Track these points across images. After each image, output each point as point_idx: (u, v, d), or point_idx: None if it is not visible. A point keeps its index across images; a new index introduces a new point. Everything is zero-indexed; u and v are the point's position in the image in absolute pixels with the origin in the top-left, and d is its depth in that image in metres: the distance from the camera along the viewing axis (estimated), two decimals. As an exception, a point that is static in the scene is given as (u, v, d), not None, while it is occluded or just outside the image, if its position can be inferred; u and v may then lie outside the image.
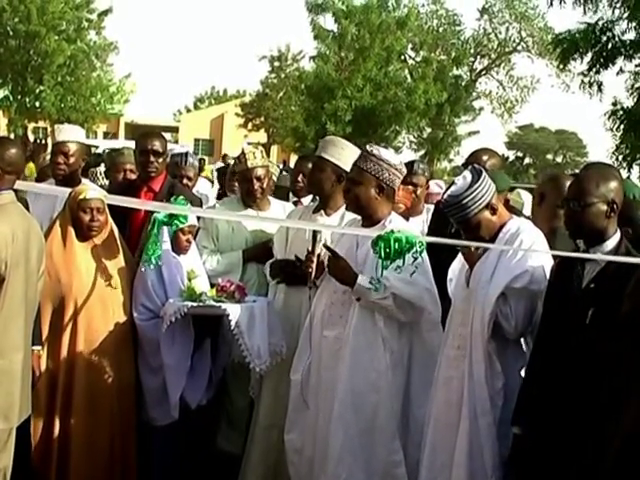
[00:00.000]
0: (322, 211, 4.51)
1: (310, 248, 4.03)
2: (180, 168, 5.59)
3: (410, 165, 5.39)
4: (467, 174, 3.54)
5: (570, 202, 3.20)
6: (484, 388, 3.41)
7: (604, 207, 3.15)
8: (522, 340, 3.56)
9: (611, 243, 3.18)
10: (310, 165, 4.86)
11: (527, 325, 3.45)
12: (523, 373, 3.45)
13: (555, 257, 3.44)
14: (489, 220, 3.53)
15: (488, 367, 3.42)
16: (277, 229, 4.70)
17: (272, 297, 4.56)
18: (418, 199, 5.42)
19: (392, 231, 3.64)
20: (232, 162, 6.53)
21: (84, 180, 5.18)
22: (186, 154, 5.75)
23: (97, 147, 20.37)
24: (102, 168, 6.52)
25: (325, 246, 4.02)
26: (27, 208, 4.23)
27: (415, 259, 3.63)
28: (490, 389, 3.41)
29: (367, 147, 4.02)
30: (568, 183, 4.03)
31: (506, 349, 3.48)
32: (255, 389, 4.53)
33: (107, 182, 6.24)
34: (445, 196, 3.57)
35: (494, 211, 3.54)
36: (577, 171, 4.03)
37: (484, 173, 3.54)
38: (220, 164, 16.80)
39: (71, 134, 5.14)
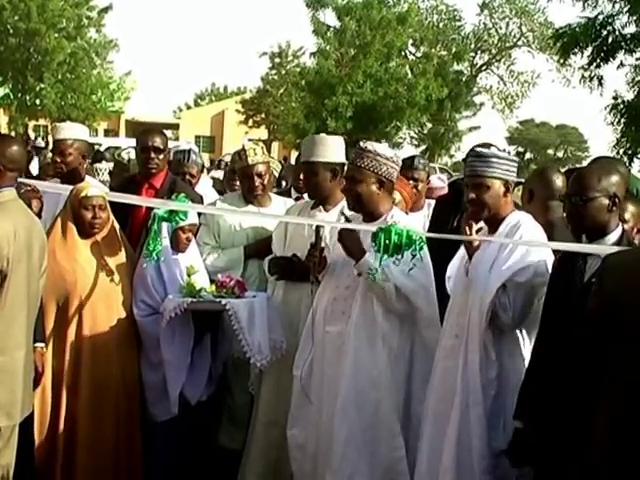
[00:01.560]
0: (321, 206, 4.51)
1: (312, 244, 4.04)
2: (183, 165, 5.58)
3: (410, 160, 5.41)
4: (508, 149, 3.60)
5: (572, 197, 3.19)
6: (477, 377, 3.41)
7: (606, 201, 3.14)
8: (519, 332, 3.55)
9: (613, 237, 3.17)
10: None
11: (525, 317, 3.46)
12: (516, 363, 3.45)
13: (556, 251, 3.45)
14: (498, 195, 3.52)
15: (483, 356, 3.42)
16: (276, 225, 4.70)
17: (271, 293, 4.55)
18: (419, 194, 5.43)
19: (394, 224, 3.66)
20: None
21: (87, 177, 5.18)
22: (189, 151, 5.74)
23: (100, 145, 20.44)
24: (102, 164, 6.55)
25: (344, 215, 4.05)
26: (30, 206, 4.24)
27: (414, 256, 3.64)
28: (483, 378, 3.41)
29: (361, 144, 4.00)
30: (555, 176, 4.04)
31: (502, 339, 3.48)
32: (255, 385, 4.54)
33: (108, 178, 6.26)
34: (478, 148, 3.61)
35: (506, 192, 3.54)
36: (570, 167, 4.06)
37: (517, 161, 3.58)
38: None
39: (69, 132, 5.12)
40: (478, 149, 3.62)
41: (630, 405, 2.57)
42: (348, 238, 3.88)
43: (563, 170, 4.53)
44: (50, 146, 5.60)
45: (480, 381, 3.41)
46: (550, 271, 3.39)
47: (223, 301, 4.14)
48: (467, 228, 3.56)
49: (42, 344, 4.00)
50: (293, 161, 16.30)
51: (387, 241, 3.59)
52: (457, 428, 3.43)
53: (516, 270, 3.39)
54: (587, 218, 3.17)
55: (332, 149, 4.41)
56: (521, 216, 3.59)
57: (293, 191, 6.27)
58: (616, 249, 3.06)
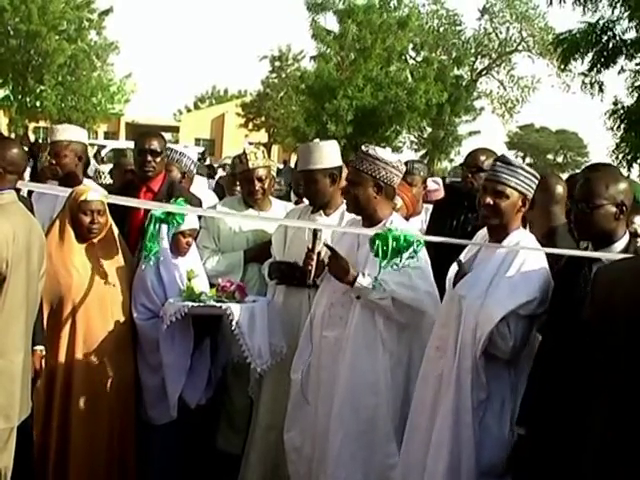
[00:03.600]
0: (321, 211, 4.50)
1: (310, 247, 4.03)
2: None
3: (404, 164, 5.39)
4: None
5: (579, 204, 3.15)
6: (469, 399, 3.35)
7: (613, 209, 3.10)
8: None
9: (620, 245, 3.14)
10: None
11: (524, 346, 3.38)
12: (500, 387, 3.41)
13: (557, 258, 3.42)
14: (514, 207, 3.44)
15: (475, 378, 3.35)
16: (275, 229, 4.69)
17: (271, 298, 4.54)
18: (415, 199, 5.41)
19: (390, 229, 3.64)
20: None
21: (85, 180, 5.17)
22: (169, 149, 5.70)
23: (105, 147, 20.43)
24: (103, 167, 6.55)
25: (326, 245, 4.02)
26: (31, 208, 4.23)
27: (412, 257, 3.62)
28: (474, 400, 3.35)
29: (362, 147, 3.99)
30: (555, 182, 4.03)
31: (493, 364, 3.39)
32: (254, 389, 4.53)
33: (107, 181, 6.25)
34: (507, 156, 3.53)
35: (522, 207, 3.46)
36: (572, 172, 4.03)
37: (539, 179, 3.52)
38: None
39: (64, 134, 5.09)
40: (512, 159, 3.48)
41: (619, 414, 2.56)
42: (336, 267, 3.86)
43: (565, 177, 4.51)
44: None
45: (471, 404, 3.35)
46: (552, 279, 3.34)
47: (224, 306, 4.13)
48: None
49: (42, 347, 3.98)
50: (292, 164, 16.32)
51: (385, 247, 3.57)
52: (449, 449, 3.36)
53: (522, 303, 3.29)
54: (593, 225, 3.13)
55: (328, 154, 4.41)
56: (523, 236, 3.50)
57: (293, 195, 6.27)
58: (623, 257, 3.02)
